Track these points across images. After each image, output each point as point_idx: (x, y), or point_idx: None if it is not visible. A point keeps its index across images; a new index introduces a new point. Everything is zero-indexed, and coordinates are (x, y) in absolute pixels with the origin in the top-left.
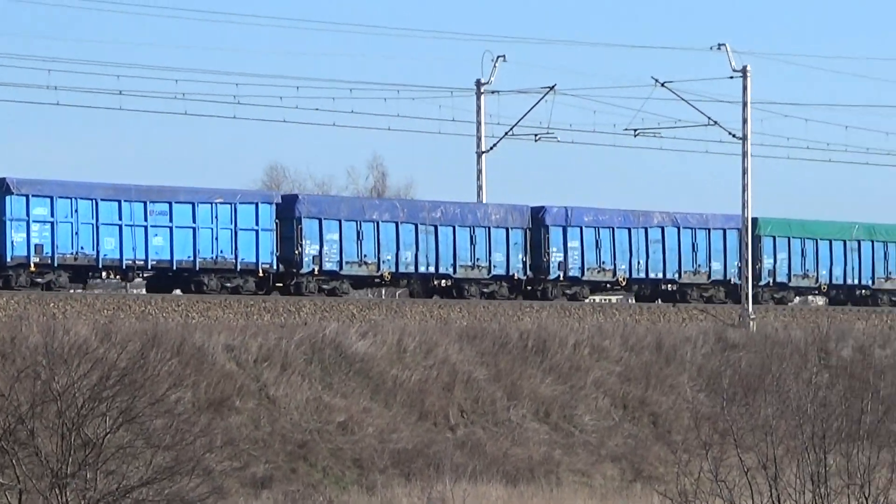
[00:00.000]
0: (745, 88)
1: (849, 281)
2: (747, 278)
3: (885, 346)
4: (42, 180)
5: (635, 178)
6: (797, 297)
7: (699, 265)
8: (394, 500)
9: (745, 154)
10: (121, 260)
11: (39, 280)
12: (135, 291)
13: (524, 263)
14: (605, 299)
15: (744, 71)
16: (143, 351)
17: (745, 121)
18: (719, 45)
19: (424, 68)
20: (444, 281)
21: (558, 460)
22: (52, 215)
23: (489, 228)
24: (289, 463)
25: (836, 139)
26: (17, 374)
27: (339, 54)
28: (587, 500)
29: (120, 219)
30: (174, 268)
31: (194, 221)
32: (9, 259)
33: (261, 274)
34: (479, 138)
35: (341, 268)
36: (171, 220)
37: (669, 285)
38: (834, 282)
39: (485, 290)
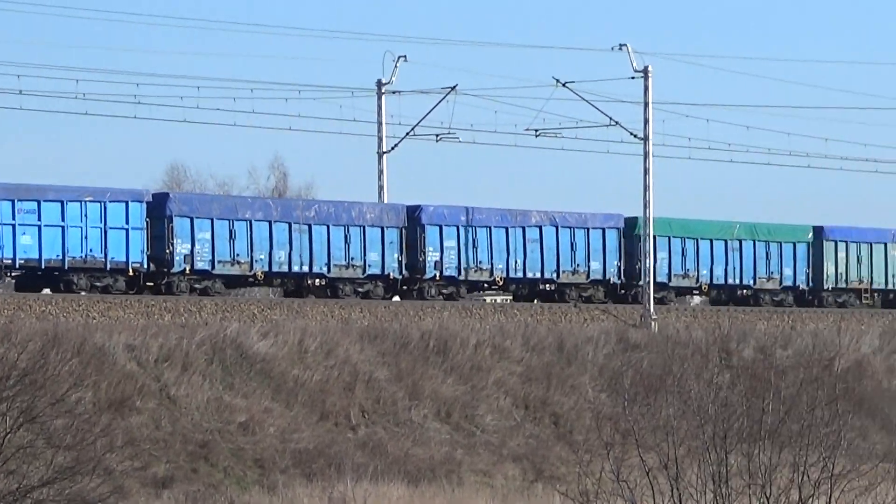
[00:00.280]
0: (646, 89)
1: (730, 280)
2: (649, 283)
3: (787, 346)
4: None
5: (536, 179)
6: (676, 297)
7: (578, 265)
8: (295, 500)
9: (646, 154)
10: None
11: None
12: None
13: (400, 263)
14: (505, 299)
15: (645, 71)
16: (44, 351)
17: (646, 121)
18: (620, 45)
19: (325, 68)
20: (318, 280)
21: (460, 460)
22: None
23: (364, 227)
24: (190, 463)
25: (737, 139)
26: None
27: (240, 54)
28: (488, 500)
29: None
30: (43, 267)
31: (63, 220)
32: None
33: (131, 273)
34: (380, 138)
35: (213, 267)
36: (39, 219)
37: (547, 285)
38: (715, 281)
39: (360, 289)
